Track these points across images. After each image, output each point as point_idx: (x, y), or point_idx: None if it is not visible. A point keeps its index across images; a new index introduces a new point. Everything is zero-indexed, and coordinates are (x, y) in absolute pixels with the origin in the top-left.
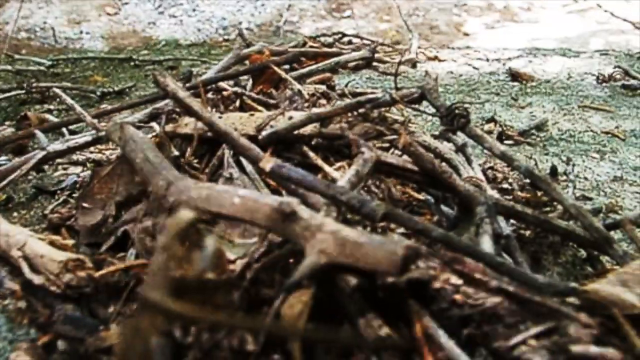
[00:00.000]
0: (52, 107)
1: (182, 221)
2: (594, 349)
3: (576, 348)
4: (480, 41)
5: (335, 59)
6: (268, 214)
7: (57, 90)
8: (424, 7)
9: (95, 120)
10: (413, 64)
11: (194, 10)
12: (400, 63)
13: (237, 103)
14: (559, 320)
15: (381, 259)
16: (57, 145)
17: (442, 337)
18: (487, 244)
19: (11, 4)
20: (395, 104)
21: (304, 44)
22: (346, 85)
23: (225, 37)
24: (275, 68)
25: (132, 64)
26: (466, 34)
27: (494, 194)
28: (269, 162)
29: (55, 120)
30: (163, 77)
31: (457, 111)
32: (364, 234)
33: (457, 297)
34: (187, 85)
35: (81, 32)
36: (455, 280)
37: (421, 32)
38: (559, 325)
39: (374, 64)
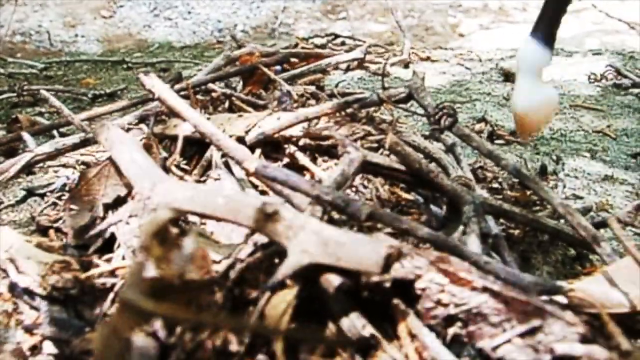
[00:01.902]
0: (43, 109)
1: (158, 221)
2: (579, 348)
3: (561, 347)
4: (476, 42)
5: (327, 60)
6: (251, 214)
7: (45, 93)
8: (419, 9)
9: (85, 123)
10: (405, 64)
11: (189, 12)
12: (386, 63)
13: (227, 104)
14: (544, 319)
15: (363, 258)
16: (44, 148)
17: (427, 336)
18: (474, 243)
19: (6, 8)
20: (382, 103)
21: (296, 45)
22: (336, 86)
23: (220, 39)
24: (264, 69)
25: (124, 66)
26: (461, 35)
27: (483, 193)
28: (253, 163)
29: (46, 122)
30: (149, 78)
31: (444, 110)
32: (346, 233)
33: (442, 296)
34: (176, 86)
35: (76, 35)
36: (440, 279)
37: (416, 33)
38: (544, 324)
39: (366, 64)
